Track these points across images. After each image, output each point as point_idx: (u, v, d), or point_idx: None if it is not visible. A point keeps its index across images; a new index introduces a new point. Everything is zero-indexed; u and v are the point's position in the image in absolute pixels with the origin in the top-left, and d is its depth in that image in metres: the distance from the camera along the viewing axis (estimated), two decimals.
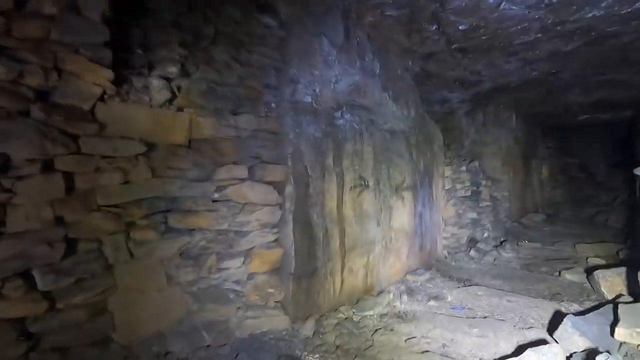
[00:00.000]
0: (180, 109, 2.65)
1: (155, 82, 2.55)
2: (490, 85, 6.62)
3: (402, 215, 4.67)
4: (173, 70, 2.63)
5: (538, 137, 10.49)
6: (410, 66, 5.03)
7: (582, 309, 3.75)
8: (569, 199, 11.15)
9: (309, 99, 3.37)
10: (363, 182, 4.01)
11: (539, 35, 4.41)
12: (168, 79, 2.63)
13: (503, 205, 8.06)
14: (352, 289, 3.83)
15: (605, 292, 3.89)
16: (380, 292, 4.08)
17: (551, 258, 5.81)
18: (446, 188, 6.15)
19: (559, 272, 4.91)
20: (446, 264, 5.50)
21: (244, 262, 2.98)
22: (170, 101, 2.62)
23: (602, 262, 5.31)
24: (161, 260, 2.53)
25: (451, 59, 5.35)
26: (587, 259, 5.52)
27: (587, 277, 4.47)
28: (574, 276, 4.69)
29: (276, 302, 3.13)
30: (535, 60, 5.37)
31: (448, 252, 5.87)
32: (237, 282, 2.96)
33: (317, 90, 3.45)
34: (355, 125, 3.92)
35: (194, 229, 2.71)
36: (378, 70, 4.26)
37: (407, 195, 4.76)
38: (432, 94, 7.11)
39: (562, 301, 3.96)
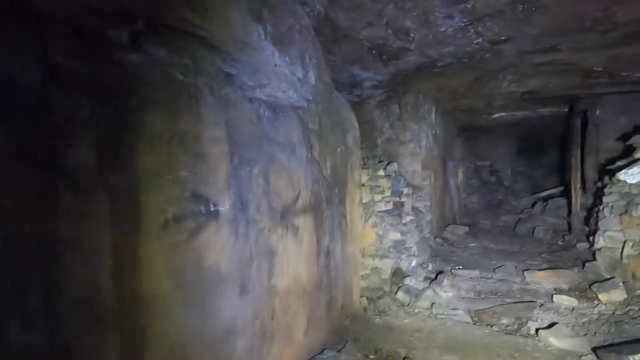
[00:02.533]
0: None
1: None
2: (417, 61, 4.89)
3: (296, 259, 2.55)
4: None
5: (454, 137, 9.30)
6: None
7: None
8: (484, 205, 10.22)
9: None
10: (203, 208, 1.78)
11: None
12: None
13: (426, 218, 6.47)
14: None
15: None
16: None
17: (504, 297, 4.20)
18: (364, 201, 4.21)
19: (536, 331, 3.23)
20: (367, 324, 3.52)
21: None
22: None
23: (574, 302, 3.79)
24: None
25: (370, 2, 3.42)
26: (551, 296, 3.98)
27: (596, 354, 2.79)
28: (561, 340, 3.01)
29: None
30: (487, 15, 3.68)
31: (368, 300, 3.91)
32: None
33: None
34: (180, 76, 1.68)
35: None
36: None
37: (305, 222, 2.66)
38: (339, 71, 5.19)
39: None
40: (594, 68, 5.07)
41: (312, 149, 2.77)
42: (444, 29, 3.98)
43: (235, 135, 2.03)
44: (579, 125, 6.33)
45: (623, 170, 3.67)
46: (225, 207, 1.93)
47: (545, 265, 5.20)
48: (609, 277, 4.16)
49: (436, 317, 3.73)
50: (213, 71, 1.89)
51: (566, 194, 8.10)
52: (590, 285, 3.99)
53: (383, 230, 4.77)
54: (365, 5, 3.45)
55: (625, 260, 3.97)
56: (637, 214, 3.84)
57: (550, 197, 9.08)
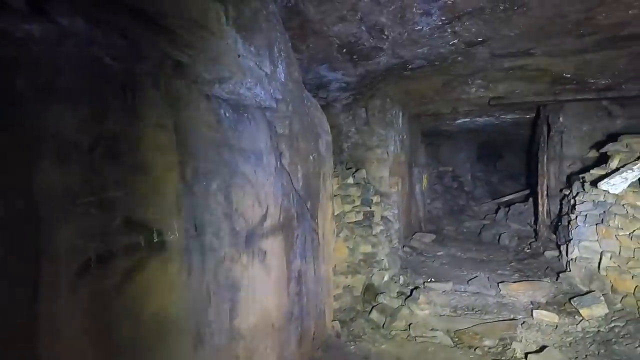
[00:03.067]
0: None
1: None
2: (388, 62, 4.59)
3: (264, 291, 2.12)
4: None
5: (419, 142, 9.17)
6: None
7: None
8: (447, 211, 10.17)
9: None
10: (142, 239, 1.33)
11: None
12: None
13: (394, 227, 6.19)
14: None
15: None
16: None
17: (481, 313, 3.96)
18: (335, 213, 3.84)
19: (525, 356, 2.97)
20: (342, 352, 3.14)
21: None
22: None
23: (555, 318, 3.61)
24: None
25: None
26: (531, 311, 3.78)
27: None
28: None
29: None
30: (466, 14, 3.43)
31: (341, 323, 3.53)
32: None
33: None
34: (109, 60, 1.22)
35: None
36: None
37: (274, 245, 2.23)
38: (305, 71, 4.79)
39: None
40: (564, 74, 5.01)
41: (281, 158, 2.35)
42: (420, 27, 3.70)
43: (188, 141, 1.58)
44: (546, 132, 6.31)
45: (605, 180, 3.54)
46: (174, 235, 1.48)
47: (516, 275, 5.06)
48: (585, 289, 4.03)
49: (415, 340, 3.42)
50: (157, 57, 1.44)
51: (529, 199, 8.15)
52: (570, 299, 3.82)
53: (354, 243, 4.44)
54: None
55: (603, 273, 3.85)
56: (614, 224, 3.73)
57: (512, 202, 9.16)
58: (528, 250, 6.29)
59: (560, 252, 5.11)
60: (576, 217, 4.41)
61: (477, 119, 8.65)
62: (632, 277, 3.52)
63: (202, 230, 1.65)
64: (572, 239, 4.47)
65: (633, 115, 5.69)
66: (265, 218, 2.12)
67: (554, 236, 6.04)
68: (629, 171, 3.43)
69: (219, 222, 1.75)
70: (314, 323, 2.88)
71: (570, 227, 4.61)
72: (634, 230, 3.55)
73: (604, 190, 3.60)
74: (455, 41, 4.04)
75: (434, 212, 9.96)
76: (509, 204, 9.05)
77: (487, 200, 10.92)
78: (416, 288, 4.45)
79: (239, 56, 1.93)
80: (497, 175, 13.63)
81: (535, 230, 6.80)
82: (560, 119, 6.44)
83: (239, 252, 1.88)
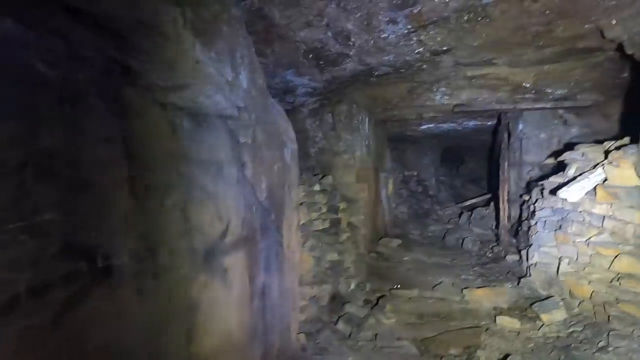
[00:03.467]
0: None
1: None
2: (354, 68, 4.57)
3: (225, 311, 2.00)
4: None
5: (385, 147, 9.23)
6: None
7: None
8: (412, 215, 10.28)
9: None
10: (85, 265, 1.19)
11: None
12: None
13: (361, 232, 6.18)
14: None
15: None
16: None
17: (446, 319, 3.99)
18: (301, 223, 3.75)
19: None
20: None
21: None
22: None
23: (516, 324, 3.67)
24: None
25: None
26: (494, 317, 3.84)
27: None
28: None
29: None
30: (432, 23, 3.45)
31: (307, 335, 3.44)
32: None
33: None
34: (42, 67, 1.08)
35: None
36: None
37: (236, 261, 2.12)
38: (270, 76, 4.68)
39: None
40: (524, 84, 5.16)
41: (244, 169, 2.25)
42: (387, 35, 3.70)
43: (139, 154, 1.45)
44: (507, 139, 6.49)
45: (563, 188, 3.65)
46: (123, 257, 1.35)
47: (479, 280, 5.15)
48: (545, 294, 4.14)
49: (381, 350, 3.39)
50: (103, 63, 1.31)
51: (491, 203, 8.37)
52: (530, 305, 3.91)
53: (320, 251, 4.36)
54: (305, 2, 3.02)
55: (561, 278, 3.96)
56: (572, 230, 3.85)
57: (474, 206, 9.38)
58: (490, 255, 6.43)
59: (520, 256, 5.24)
60: (536, 222, 4.53)
61: (441, 124, 8.80)
62: (589, 282, 3.63)
63: (156, 251, 1.52)
64: (532, 244, 4.59)
65: (587, 124, 5.95)
66: (226, 233, 2.01)
67: (514, 240, 6.22)
68: (585, 179, 3.55)
69: (174, 241, 1.62)
70: (279, 338, 2.77)
71: (530, 232, 4.74)
72: (590, 237, 3.67)
73: (562, 198, 3.71)
74: (420, 49, 4.07)
75: (399, 216, 10.05)
76: (471, 208, 9.26)
77: (450, 204, 11.14)
78: (383, 296, 4.43)
79: (197, 62, 1.81)
80: (460, 179, 13.97)
81: (496, 235, 6.98)
82: (520, 126, 6.66)
83: (197, 271, 1.76)
